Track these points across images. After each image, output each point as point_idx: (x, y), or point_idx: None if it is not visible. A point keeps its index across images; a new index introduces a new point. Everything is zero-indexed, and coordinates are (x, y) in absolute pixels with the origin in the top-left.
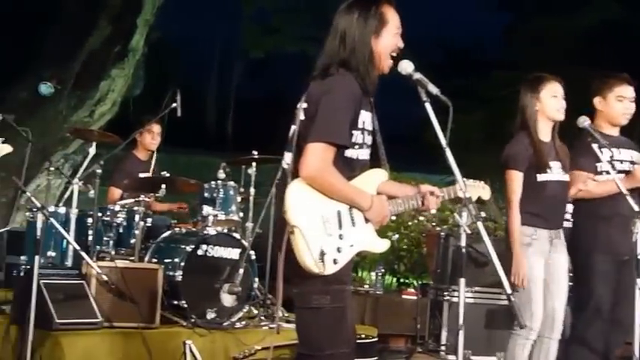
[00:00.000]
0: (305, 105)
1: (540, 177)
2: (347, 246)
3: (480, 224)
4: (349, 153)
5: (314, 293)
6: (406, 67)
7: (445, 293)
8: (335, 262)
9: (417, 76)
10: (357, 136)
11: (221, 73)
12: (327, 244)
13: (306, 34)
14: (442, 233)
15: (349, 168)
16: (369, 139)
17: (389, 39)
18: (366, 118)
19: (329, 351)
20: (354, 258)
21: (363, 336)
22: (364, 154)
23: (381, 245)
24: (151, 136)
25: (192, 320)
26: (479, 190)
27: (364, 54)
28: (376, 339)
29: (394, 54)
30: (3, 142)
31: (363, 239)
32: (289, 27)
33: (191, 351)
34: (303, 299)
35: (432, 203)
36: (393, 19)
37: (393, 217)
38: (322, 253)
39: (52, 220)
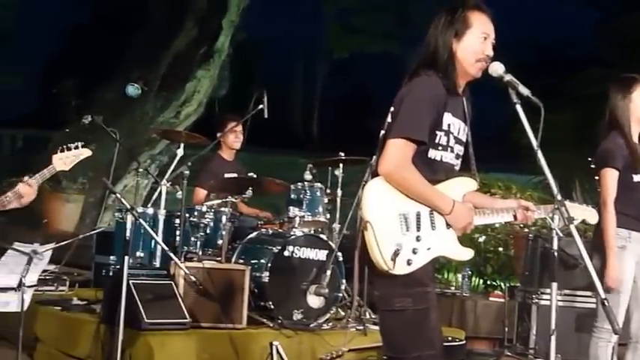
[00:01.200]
0: (392, 108)
1: (636, 177)
2: (424, 248)
3: (573, 227)
4: (432, 154)
5: (395, 296)
6: (497, 69)
7: (534, 296)
8: (409, 262)
9: (508, 77)
10: (441, 138)
11: (305, 73)
12: (402, 244)
13: (388, 34)
14: (530, 235)
15: (431, 169)
16: (457, 147)
17: (472, 42)
18: (452, 122)
19: (414, 353)
20: (436, 261)
21: (449, 339)
22: (449, 157)
23: (462, 254)
24: (234, 135)
25: (279, 321)
26: (584, 212)
27: (444, 55)
28: (463, 342)
29: (483, 62)
30: (83, 146)
31: (443, 245)
32: (372, 26)
33: (278, 352)
34: (385, 302)
35: (525, 219)
36: (478, 23)
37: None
38: (396, 252)
39: (140, 220)
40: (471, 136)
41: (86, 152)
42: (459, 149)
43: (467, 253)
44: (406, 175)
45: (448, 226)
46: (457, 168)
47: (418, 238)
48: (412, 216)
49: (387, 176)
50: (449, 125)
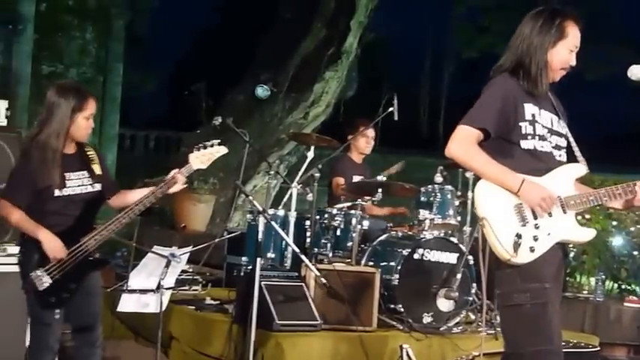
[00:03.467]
0: None
1: None
2: (544, 234)
3: None
4: (525, 144)
5: (514, 292)
6: (636, 72)
7: None
8: (532, 250)
9: None
10: (527, 127)
11: (432, 72)
12: (522, 233)
13: None
14: None
15: (530, 159)
16: (554, 138)
17: (563, 53)
18: (537, 113)
19: (530, 348)
20: (560, 261)
21: (583, 344)
22: (544, 146)
23: (585, 234)
24: (366, 140)
25: (409, 324)
26: None
27: (539, 60)
28: (597, 348)
29: (564, 71)
30: (219, 144)
31: (562, 229)
32: (499, 25)
33: (408, 355)
34: (503, 298)
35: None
36: (573, 35)
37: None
38: (517, 242)
39: (272, 223)
40: (602, 135)
41: (222, 150)
42: (558, 140)
43: (588, 233)
44: (467, 155)
45: (564, 210)
46: (561, 159)
47: (536, 226)
48: (526, 205)
49: (450, 156)
50: (533, 115)
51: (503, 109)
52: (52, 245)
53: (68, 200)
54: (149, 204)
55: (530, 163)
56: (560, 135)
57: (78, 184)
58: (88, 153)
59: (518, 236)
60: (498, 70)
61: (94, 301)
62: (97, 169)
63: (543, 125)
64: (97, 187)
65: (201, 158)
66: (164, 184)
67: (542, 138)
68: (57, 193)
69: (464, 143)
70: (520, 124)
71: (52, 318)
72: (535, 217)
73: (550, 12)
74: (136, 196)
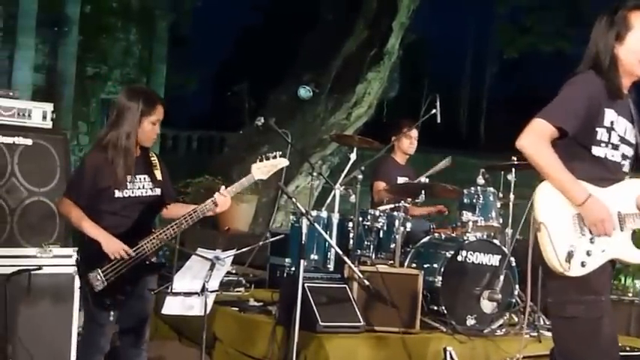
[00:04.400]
0: None
1: None
2: (598, 250)
3: None
4: (595, 151)
5: (568, 303)
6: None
7: None
8: (583, 264)
9: None
10: (602, 134)
11: (474, 72)
12: (577, 245)
13: (560, 33)
14: None
15: (597, 167)
16: (624, 147)
17: (634, 44)
18: (616, 120)
19: None
20: (610, 268)
21: (627, 348)
22: (614, 155)
23: (638, 256)
24: (410, 141)
25: (452, 326)
26: None
27: (606, 59)
28: None
29: None
30: (280, 156)
31: (617, 247)
32: (543, 25)
33: (451, 357)
34: (557, 308)
35: None
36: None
37: None
38: (570, 254)
39: (315, 225)
40: None
41: (283, 162)
42: (627, 150)
43: None
44: (538, 152)
45: (622, 228)
46: (626, 169)
47: (592, 240)
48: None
49: (520, 148)
50: (612, 122)
51: (586, 112)
52: (111, 245)
53: (128, 202)
54: (207, 211)
55: (598, 171)
56: (630, 144)
57: (138, 186)
58: (151, 158)
59: (573, 248)
60: (574, 73)
61: (146, 305)
62: (158, 174)
63: (619, 134)
64: (157, 191)
65: (262, 169)
66: (220, 194)
67: (614, 147)
68: (117, 194)
69: (537, 138)
70: (597, 129)
71: (105, 319)
72: (592, 232)
73: (611, 8)
74: (185, 209)
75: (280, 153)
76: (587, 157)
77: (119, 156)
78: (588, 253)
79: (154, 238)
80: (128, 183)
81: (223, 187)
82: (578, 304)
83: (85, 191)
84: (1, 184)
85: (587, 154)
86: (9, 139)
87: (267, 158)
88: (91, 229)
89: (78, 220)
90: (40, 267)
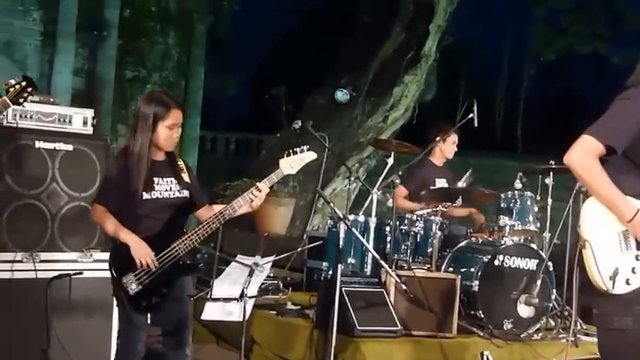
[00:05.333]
0: None
1: None
2: None
3: None
4: None
5: (615, 314)
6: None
7: None
8: (627, 282)
9: None
10: None
11: (511, 74)
12: (622, 263)
13: (598, 34)
14: None
15: None
16: None
17: None
18: None
19: None
20: None
21: None
22: None
23: None
24: (451, 144)
25: (489, 330)
26: None
27: None
28: None
29: None
30: (308, 150)
31: None
32: (580, 27)
33: None
34: (603, 320)
35: None
36: None
37: None
38: (615, 272)
39: (353, 229)
40: None
41: (311, 155)
42: None
43: None
44: (586, 170)
45: None
46: None
47: (637, 257)
48: (632, 234)
49: (568, 164)
50: None
51: (637, 129)
52: (140, 251)
53: (157, 204)
54: (239, 208)
55: None
56: None
57: (165, 188)
58: (178, 162)
59: (618, 265)
60: (632, 82)
61: (184, 306)
62: (185, 177)
63: None
64: (185, 193)
65: (291, 164)
66: (253, 190)
67: None
68: (145, 196)
69: (585, 155)
70: None
71: (141, 322)
72: (638, 247)
73: None
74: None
75: (308, 147)
76: (636, 173)
77: (137, 163)
78: (634, 270)
79: (186, 239)
80: (155, 185)
81: (257, 181)
82: (625, 315)
83: (114, 196)
84: (42, 189)
85: (635, 170)
86: (50, 145)
87: (295, 152)
88: (122, 233)
89: (109, 225)
90: (81, 272)
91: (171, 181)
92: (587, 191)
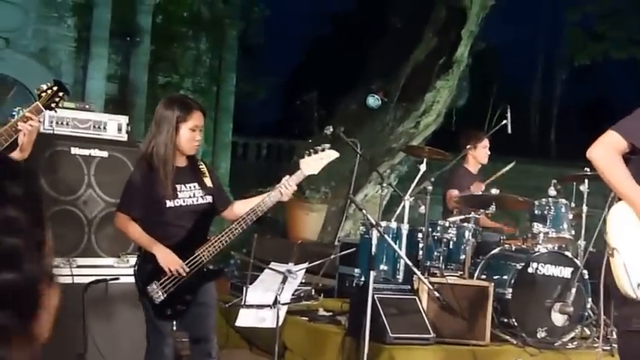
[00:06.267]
0: None
1: None
2: None
3: None
4: None
5: (634, 316)
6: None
7: None
8: None
9: None
10: None
11: (544, 79)
12: None
13: (632, 39)
14: None
15: None
16: None
17: None
18: None
19: None
20: None
21: None
22: None
23: None
24: (485, 151)
25: (522, 338)
26: None
27: None
28: None
29: None
30: (330, 148)
31: None
32: (613, 32)
33: None
34: (623, 322)
35: None
36: None
37: None
38: None
39: (385, 236)
40: None
41: (333, 154)
42: None
43: None
44: (609, 166)
45: None
46: None
47: None
48: None
49: (590, 158)
50: None
51: None
52: (167, 259)
53: (180, 211)
54: (261, 213)
55: None
56: None
57: (189, 195)
58: (200, 166)
59: None
60: None
61: (208, 313)
62: (207, 181)
63: None
64: (208, 198)
65: (312, 164)
66: (275, 191)
67: None
68: (169, 203)
69: (609, 151)
70: None
71: (168, 329)
72: None
73: None
74: (248, 205)
75: (329, 145)
76: None
77: (161, 168)
78: None
79: (210, 246)
80: (178, 192)
81: (287, 176)
82: None
83: (138, 203)
84: (78, 195)
85: None
86: (85, 152)
87: (316, 151)
88: (147, 241)
89: (133, 233)
90: (117, 277)
91: (194, 187)
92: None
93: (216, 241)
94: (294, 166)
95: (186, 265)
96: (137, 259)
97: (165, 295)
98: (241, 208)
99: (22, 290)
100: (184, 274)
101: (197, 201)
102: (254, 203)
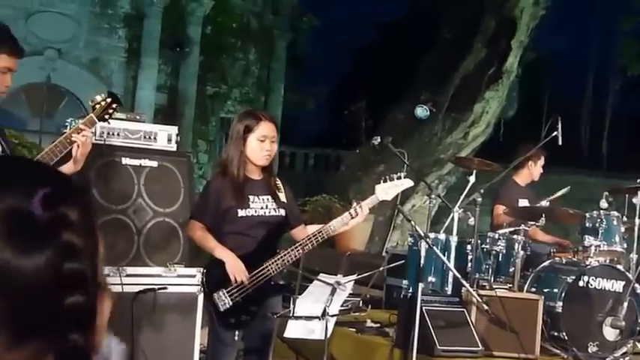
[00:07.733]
0: None
1: None
2: None
3: None
4: None
5: None
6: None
7: None
8: None
9: None
10: None
11: (596, 89)
12: None
13: None
14: None
15: None
16: None
17: None
18: None
19: None
20: None
21: None
22: None
23: None
24: (540, 168)
25: (573, 353)
26: None
27: None
28: None
29: None
30: (405, 177)
31: None
32: None
33: None
34: None
35: None
36: None
37: None
38: None
39: (434, 248)
40: None
41: (408, 183)
42: None
43: None
44: None
45: None
46: None
47: None
48: None
49: None
50: None
51: None
52: (235, 267)
53: (252, 222)
54: (332, 233)
55: None
56: None
57: (261, 206)
58: (275, 181)
59: None
60: None
61: (270, 326)
62: (282, 196)
63: None
64: (281, 212)
65: (386, 190)
66: (346, 214)
67: None
68: (240, 213)
69: None
70: None
71: (230, 339)
72: None
73: None
74: (313, 230)
75: (405, 174)
76: None
77: (231, 178)
78: None
79: (278, 259)
80: (250, 202)
81: (356, 203)
82: None
83: (210, 212)
84: (128, 204)
85: None
86: (136, 162)
87: (392, 179)
88: (217, 249)
89: (204, 240)
90: (165, 286)
91: (267, 199)
92: None
93: (285, 255)
94: (343, 177)
95: (254, 276)
96: (207, 265)
97: (230, 304)
98: (313, 230)
99: (90, 310)
100: (247, 284)
101: (269, 213)
102: (315, 229)
